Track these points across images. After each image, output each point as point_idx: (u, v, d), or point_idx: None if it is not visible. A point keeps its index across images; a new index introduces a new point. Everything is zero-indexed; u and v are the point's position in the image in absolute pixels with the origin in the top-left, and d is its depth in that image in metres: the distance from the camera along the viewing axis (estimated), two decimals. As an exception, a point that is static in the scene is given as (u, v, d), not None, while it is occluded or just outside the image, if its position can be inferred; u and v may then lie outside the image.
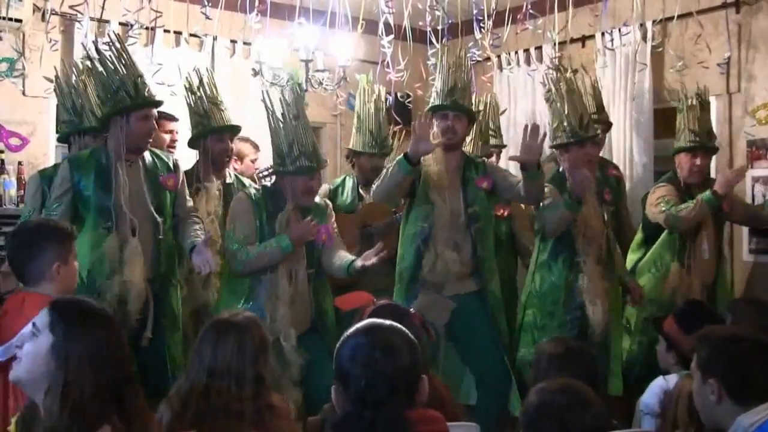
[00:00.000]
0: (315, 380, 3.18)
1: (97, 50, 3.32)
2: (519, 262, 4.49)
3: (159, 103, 3.44)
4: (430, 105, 3.64)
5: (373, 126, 4.14)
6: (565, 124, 3.66)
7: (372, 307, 2.62)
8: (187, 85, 3.86)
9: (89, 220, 3.24)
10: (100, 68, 3.30)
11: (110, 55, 3.29)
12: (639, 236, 4.18)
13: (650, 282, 4.02)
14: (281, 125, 3.37)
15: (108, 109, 3.31)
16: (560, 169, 3.78)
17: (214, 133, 3.79)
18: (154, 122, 3.40)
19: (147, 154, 3.41)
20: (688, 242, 3.95)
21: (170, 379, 3.12)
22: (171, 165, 3.47)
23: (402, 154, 3.42)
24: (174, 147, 4.12)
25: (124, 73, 3.27)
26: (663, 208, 3.89)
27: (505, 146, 4.86)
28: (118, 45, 3.31)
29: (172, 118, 4.13)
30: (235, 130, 3.90)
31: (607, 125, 4.35)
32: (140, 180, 3.31)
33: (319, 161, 3.44)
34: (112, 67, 3.28)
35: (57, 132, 3.84)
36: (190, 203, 3.55)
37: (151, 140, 3.39)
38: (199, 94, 3.83)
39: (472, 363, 3.60)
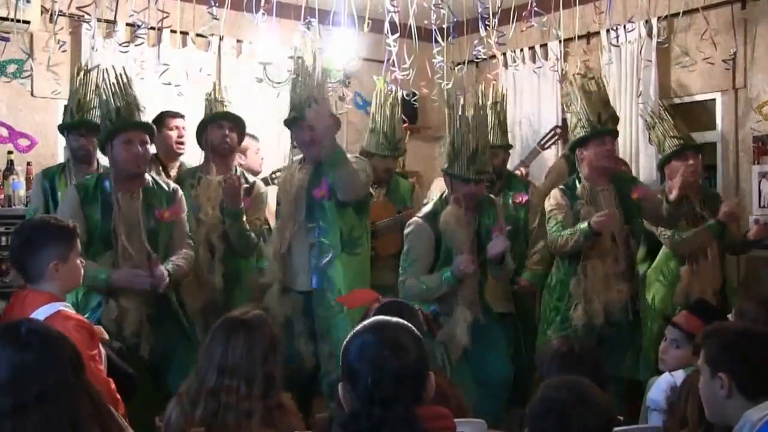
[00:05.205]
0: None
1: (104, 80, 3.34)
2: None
3: (138, 125, 3.33)
4: (455, 175, 3.48)
5: (387, 128, 4.13)
6: (584, 120, 3.69)
7: (377, 304, 2.63)
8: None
9: (95, 245, 3.28)
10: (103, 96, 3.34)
11: (106, 86, 3.31)
12: (643, 249, 4.11)
13: (660, 291, 4.00)
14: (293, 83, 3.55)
15: (101, 137, 3.40)
16: (574, 177, 3.81)
17: (213, 122, 3.84)
18: (144, 147, 3.30)
19: (150, 183, 3.39)
20: None
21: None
22: (171, 194, 3.43)
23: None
24: (182, 143, 4.13)
25: (110, 101, 3.30)
26: (666, 235, 3.92)
27: (512, 146, 4.86)
28: (116, 77, 3.32)
29: (177, 115, 4.16)
30: (229, 117, 3.87)
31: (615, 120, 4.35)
32: (138, 212, 3.31)
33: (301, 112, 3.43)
34: (104, 98, 3.32)
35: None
36: (186, 229, 3.51)
37: (141, 166, 3.31)
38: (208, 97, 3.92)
39: (479, 370, 3.56)
